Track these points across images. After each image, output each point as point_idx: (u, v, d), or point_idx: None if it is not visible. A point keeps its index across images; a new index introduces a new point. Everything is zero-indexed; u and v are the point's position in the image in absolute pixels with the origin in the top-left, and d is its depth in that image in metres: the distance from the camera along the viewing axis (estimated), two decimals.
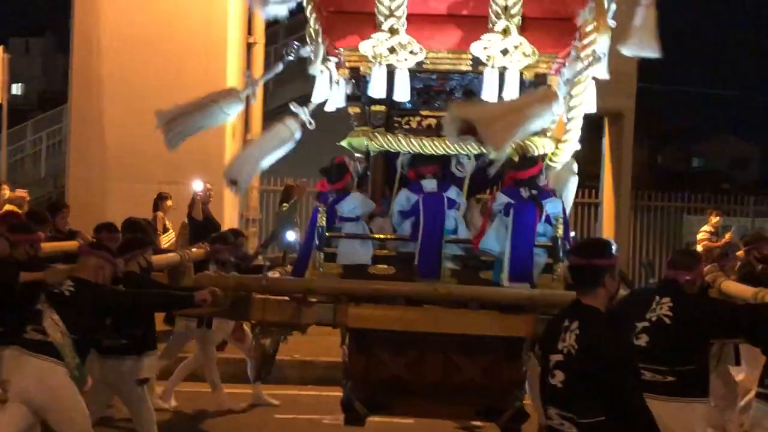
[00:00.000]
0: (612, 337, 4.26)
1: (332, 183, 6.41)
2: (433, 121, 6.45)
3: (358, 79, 6.43)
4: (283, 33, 20.82)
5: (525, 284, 5.91)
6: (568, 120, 6.44)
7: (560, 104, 5.92)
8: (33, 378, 6.09)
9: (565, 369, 4.25)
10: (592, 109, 6.47)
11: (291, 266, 7.06)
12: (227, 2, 14.93)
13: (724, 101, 69.77)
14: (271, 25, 16.85)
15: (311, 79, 6.55)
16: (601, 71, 6.27)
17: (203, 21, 14.82)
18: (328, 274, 6.19)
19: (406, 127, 6.47)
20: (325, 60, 6.47)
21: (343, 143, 6.62)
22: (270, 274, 6.75)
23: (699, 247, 13.91)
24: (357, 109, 6.62)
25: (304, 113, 6.35)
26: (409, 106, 6.44)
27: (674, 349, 5.56)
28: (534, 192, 6.02)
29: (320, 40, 6.36)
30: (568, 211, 6.51)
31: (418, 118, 6.48)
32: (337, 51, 6.40)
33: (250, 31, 15.86)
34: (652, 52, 6.00)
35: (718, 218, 14.99)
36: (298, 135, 6.31)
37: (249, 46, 15.88)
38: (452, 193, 6.20)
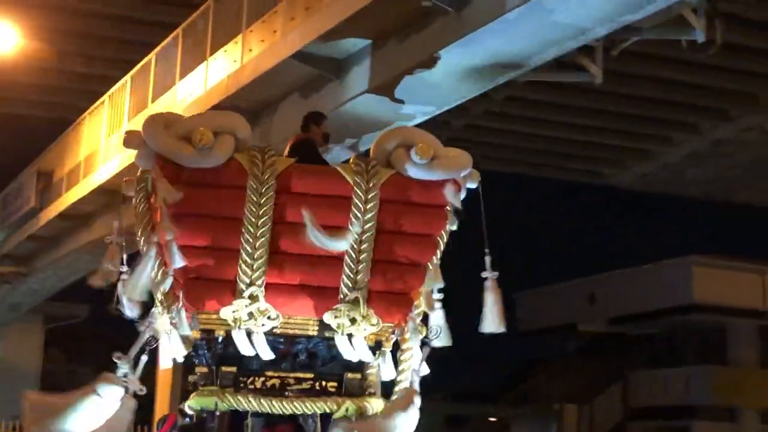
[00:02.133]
0: None
1: None
2: (277, 381, 6.82)
3: (210, 341, 6.72)
4: None
5: None
6: (397, 382, 7.07)
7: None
8: None
9: None
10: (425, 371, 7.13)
11: None
12: None
13: None
14: None
15: None
16: (443, 340, 7.03)
17: None
18: None
19: (251, 387, 6.78)
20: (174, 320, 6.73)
21: (190, 403, 6.78)
22: None
23: None
24: (204, 369, 6.85)
25: (133, 382, 6.46)
26: (255, 367, 6.80)
27: None
28: None
29: (180, 305, 6.63)
30: None
31: (262, 378, 6.82)
32: (191, 313, 6.69)
33: None
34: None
35: None
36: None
37: None
38: None
